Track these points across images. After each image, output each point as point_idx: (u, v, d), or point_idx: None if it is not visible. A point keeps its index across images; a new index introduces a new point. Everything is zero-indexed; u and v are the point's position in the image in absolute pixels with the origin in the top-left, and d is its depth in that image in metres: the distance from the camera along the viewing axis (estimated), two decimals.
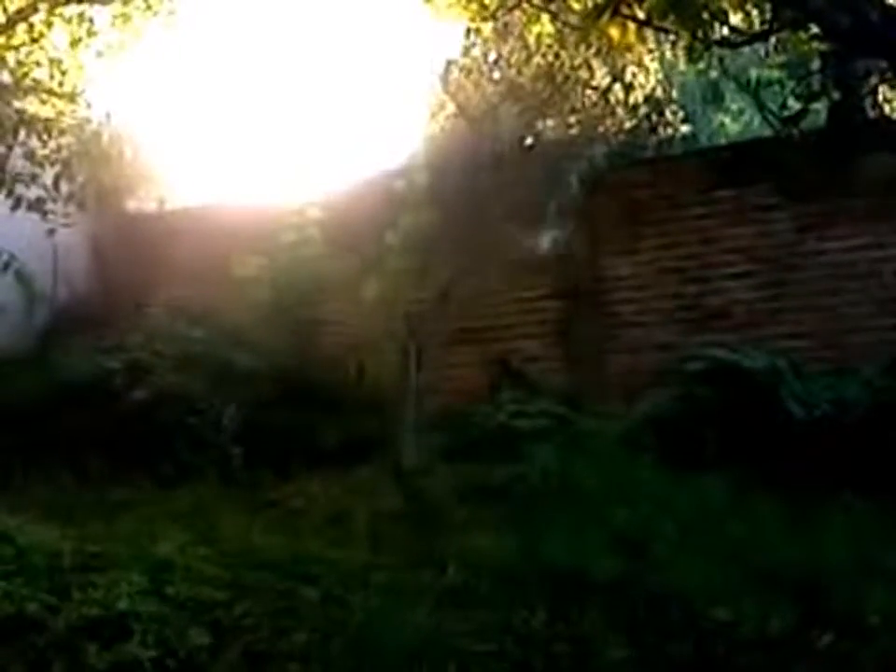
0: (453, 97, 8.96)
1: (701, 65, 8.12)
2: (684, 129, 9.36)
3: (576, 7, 5.59)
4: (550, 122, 9.03)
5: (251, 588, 4.93)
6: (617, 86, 8.81)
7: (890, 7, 4.62)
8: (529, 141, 8.86)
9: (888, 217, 8.16)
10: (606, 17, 5.25)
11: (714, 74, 9.39)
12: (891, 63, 5.59)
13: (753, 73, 8.52)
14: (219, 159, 10.45)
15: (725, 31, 5.78)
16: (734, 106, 12.02)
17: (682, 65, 9.01)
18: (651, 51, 8.31)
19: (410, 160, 9.41)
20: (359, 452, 7.91)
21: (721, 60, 7.88)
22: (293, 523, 6.68)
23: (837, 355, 8.24)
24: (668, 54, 8.54)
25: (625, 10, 5.23)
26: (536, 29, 6.86)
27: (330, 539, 6.19)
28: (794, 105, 8.29)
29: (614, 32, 5.83)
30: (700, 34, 5.42)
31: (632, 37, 5.91)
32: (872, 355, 7.94)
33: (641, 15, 5.26)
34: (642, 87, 8.77)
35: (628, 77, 8.70)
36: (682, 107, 10.18)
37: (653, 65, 8.66)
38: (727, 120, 11.34)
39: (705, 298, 8.99)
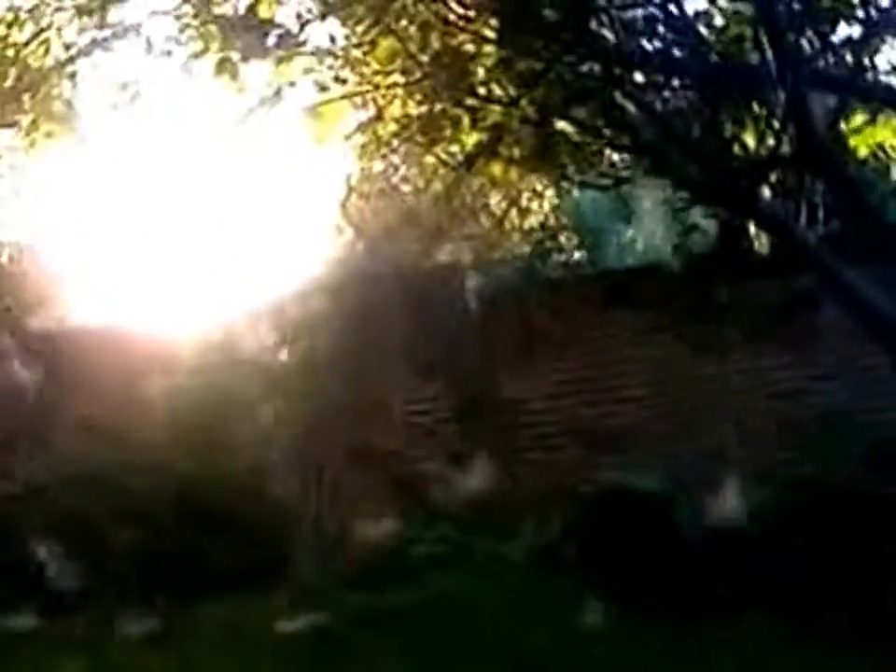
0: (351, 222, 9.39)
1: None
2: (577, 255, 9.92)
3: (457, 148, 6.01)
4: (447, 247, 9.51)
5: None
6: (514, 211, 9.29)
7: (736, 157, 5.11)
8: (426, 265, 9.30)
9: (771, 342, 8.69)
10: (482, 159, 5.70)
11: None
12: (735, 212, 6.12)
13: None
14: (121, 279, 10.69)
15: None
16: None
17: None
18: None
19: (308, 283, 9.80)
20: (260, 575, 8.07)
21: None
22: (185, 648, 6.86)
23: (733, 476, 8.65)
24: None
25: (503, 151, 5.68)
26: (431, 159, 7.27)
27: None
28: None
29: (496, 170, 6.31)
30: (572, 174, 5.89)
31: (514, 175, 6.40)
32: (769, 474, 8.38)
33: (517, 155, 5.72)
34: (537, 213, 9.27)
35: (524, 203, 9.18)
36: (583, 228, 10.78)
37: (548, 192, 9.15)
38: (639, 238, 11.87)
39: (601, 419, 9.39)
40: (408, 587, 7.60)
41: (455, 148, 6.15)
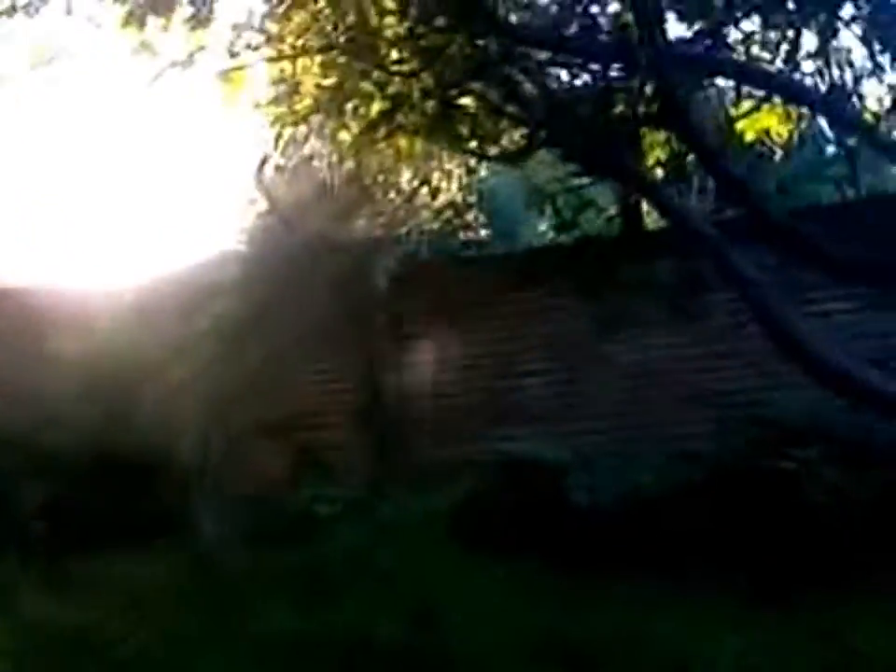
0: (265, 193, 9.65)
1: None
2: (484, 233, 10.30)
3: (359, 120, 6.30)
4: (358, 221, 9.81)
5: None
6: (424, 189, 9.60)
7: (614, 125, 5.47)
8: (338, 238, 9.60)
9: (675, 320, 9.12)
10: (382, 130, 6.02)
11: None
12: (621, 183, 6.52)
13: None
14: (37, 239, 10.82)
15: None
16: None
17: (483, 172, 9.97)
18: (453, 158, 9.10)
19: (223, 251, 10.05)
20: (162, 531, 8.34)
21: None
22: (85, 598, 7.11)
23: (629, 449, 9.08)
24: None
25: (405, 121, 6.00)
26: (343, 134, 7.53)
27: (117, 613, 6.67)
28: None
29: (402, 142, 6.63)
30: (472, 147, 6.24)
31: (417, 147, 6.73)
32: (662, 448, 8.81)
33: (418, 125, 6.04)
34: (446, 191, 9.59)
35: (434, 181, 9.49)
36: (492, 206, 11.13)
37: (458, 170, 9.47)
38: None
39: (505, 393, 9.78)
40: (306, 546, 7.94)
41: (361, 120, 6.44)
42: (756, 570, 6.92)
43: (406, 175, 9.26)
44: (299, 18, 6.36)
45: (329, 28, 6.20)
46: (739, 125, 6.62)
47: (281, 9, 6.27)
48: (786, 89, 5.79)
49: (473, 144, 6.37)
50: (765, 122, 6.69)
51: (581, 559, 7.60)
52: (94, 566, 7.71)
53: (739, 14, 5.76)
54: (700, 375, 9.06)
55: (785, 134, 6.63)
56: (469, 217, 10.18)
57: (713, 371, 9.07)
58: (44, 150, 9.75)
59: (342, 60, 6.28)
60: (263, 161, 8.81)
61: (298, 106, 7.10)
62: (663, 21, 5.12)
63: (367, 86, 6.29)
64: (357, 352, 9.88)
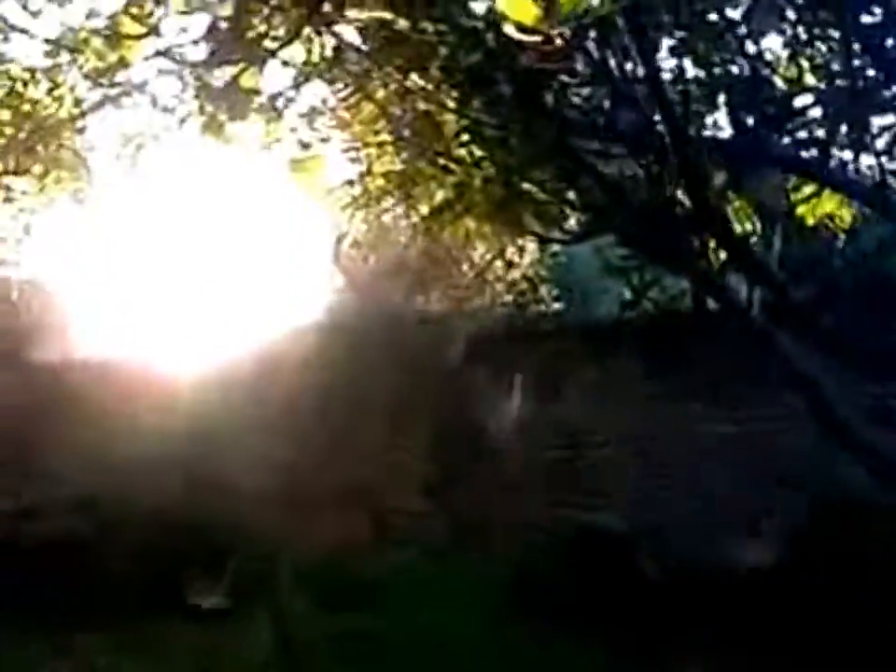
0: (342, 269, 10.03)
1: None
2: (557, 305, 10.54)
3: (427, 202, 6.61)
4: (432, 295, 10.13)
5: None
6: (497, 263, 9.91)
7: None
8: (413, 312, 9.92)
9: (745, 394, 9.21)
10: (448, 215, 6.31)
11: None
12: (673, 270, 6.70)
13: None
14: (123, 315, 11.33)
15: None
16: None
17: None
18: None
19: (303, 325, 10.42)
20: (244, 596, 8.70)
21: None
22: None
23: (701, 520, 9.18)
24: None
25: (469, 207, 6.28)
26: (414, 215, 7.83)
27: None
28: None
29: (469, 224, 6.92)
30: (536, 231, 6.51)
31: (484, 230, 7.03)
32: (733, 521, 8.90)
33: (481, 211, 6.32)
34: (519, 265, 9.89)
35: (508, 256, 9.79)
36: (566, 280, 11.38)
37: (531, 245, 9.75)
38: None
39: (576, 462, 9.94)
40: (374, 613, 8.22)
41: (429, 202, 6.75)
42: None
43: (479, 250, 9.57)
44: (368, 109, 6.70)
45: (395, 118, 6.53)
46: (800, 209, 6.77)
47: (351, 101, 6.61)
48: (840, 181, 5.93)
49: (536, 228, 6.62)
50: (826, 207, 6.81)
51: (650, 637, 7.75)
52: (171, 631, 8.07)
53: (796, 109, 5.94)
54: (771, 449, 9.13)
55: (848, 218, 6.76)
56: (542, 290, 10.44)
57: (784, 445, 9.13)
58: (131, 229, 10.24)
59: (408, 148, 6.59)
60: (340, 239, 9.21)
61: (370, 187, 7.45)
62: (688, 115, 5.34)
63: (433, 172, 6.59)
64: (430, 421, 10.14)
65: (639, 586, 8.40)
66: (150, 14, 5.28)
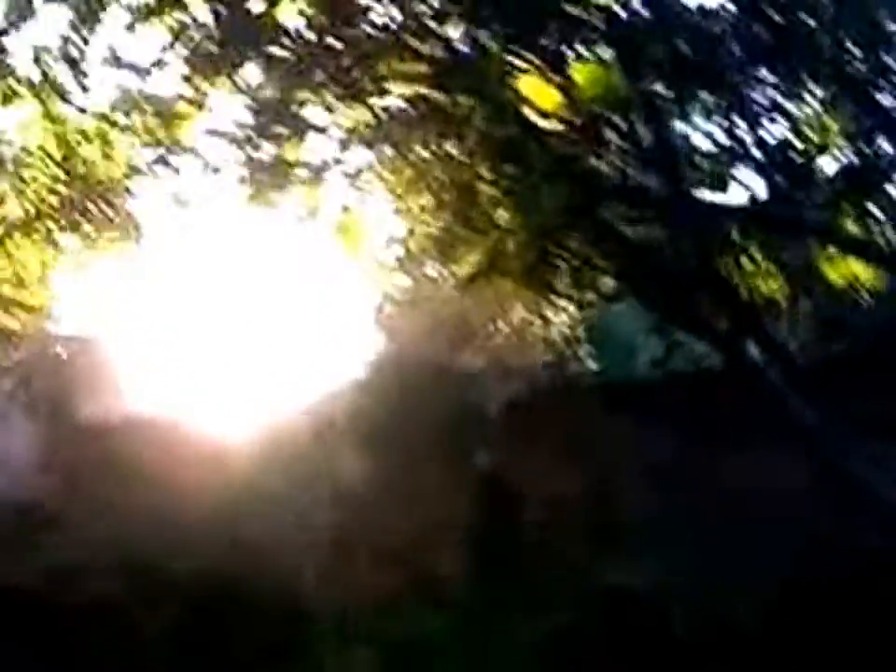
0: (385, 328, 10.31)
1: None
2: (593, 363, 10.72)
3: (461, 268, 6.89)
4: (472, 352, 10.36)
5: None
6: (536, 321, 10.11)
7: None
8: (453, 369, 10.16)
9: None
10: (484, 278, 6.58)
11: None
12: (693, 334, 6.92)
13: None
14: (169, 373, 11.64)
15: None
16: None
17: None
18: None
19: (344, 384, 10.71)
20: (281, 659, 8.91)
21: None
22: None
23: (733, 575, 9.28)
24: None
25: (503, 270, 6.56)
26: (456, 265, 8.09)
27: None
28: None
29: (500, 286, 7.20)
30: (568, 294, 6.77)
31: (517, 291, 7.29)
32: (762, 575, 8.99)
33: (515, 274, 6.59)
34: (556, 324, 10.08)
35: (545, 315, 9.99)
36: (604, 338, 11.56)
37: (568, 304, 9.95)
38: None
39: (606, 519, 10.10)
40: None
41: (464, 265, 7.04)
42: None
43: (518, 309, 9.79)
44: (407, 174, 7.00)
45: (433, 184, 6.83)
46: (827, 270, 6.96)
47: (390, 167, 6.93)
48: (859, 246, 6.15)
49: (568, 290, 6.89)
50: (852, 268, 7.00)
51: None
52: None
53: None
54: (796, 503, 9.22)
55: (873, 279, 6.94)
56: (580, 348, 10.63)
57: (808, 499, 9.23)
58: (179, 287, 10.57)
59: (445, 212, 6.89)
60: (382, 298, 9.49)
61: (410, 247, 7.75)
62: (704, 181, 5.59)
63: (470, 236, 6.88)
64: (470, 477, 10.34)
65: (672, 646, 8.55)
66: (202, 92, 5.61)
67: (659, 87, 5.09)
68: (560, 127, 3.94)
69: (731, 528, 9.25)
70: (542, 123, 3.89)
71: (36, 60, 6.60)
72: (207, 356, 10.85)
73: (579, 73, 4.44)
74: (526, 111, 4.99)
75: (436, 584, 9.90)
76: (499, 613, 9.32)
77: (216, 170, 7.57)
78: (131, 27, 6.06)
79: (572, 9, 4.58)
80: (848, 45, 5.94)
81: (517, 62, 4.92)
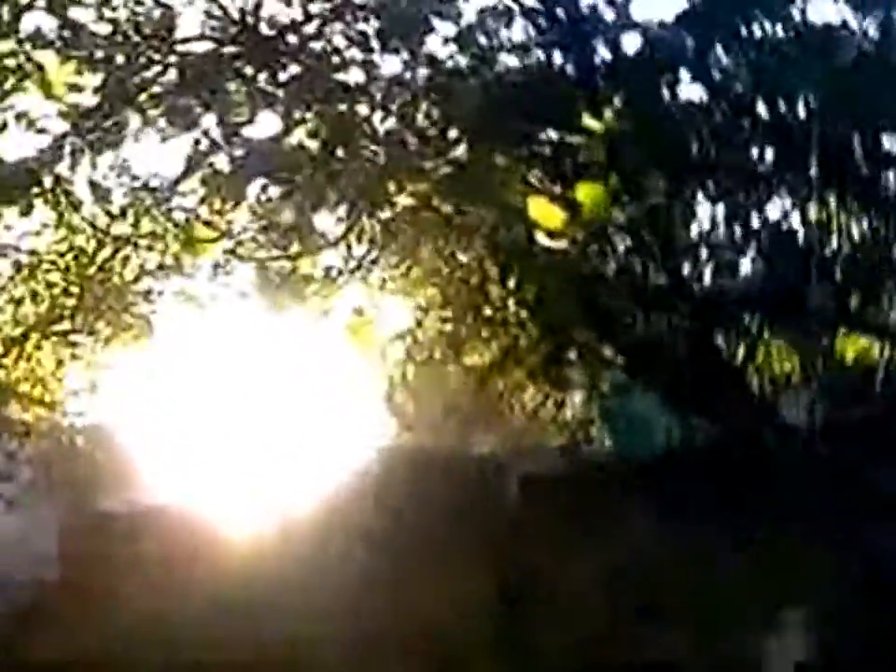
0: (397, 415, 10.52)
1: None
2: (609, 443, 10.89)
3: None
4: (485, 436, 10.56)
5: None
6: (549, 404, 10.33)
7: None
8: (467, 454, 10.34)
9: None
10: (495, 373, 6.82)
11: None
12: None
13: None
14: (185, 463, 11.86)
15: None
16: None
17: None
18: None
19: (358, 471, 10.88)
20: None
21: None
22: None
23: None
24: None
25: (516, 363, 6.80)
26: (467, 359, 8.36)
27: None
28: None
29: (512, 378, 7.42)
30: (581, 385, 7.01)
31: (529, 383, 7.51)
32: None
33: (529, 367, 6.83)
34: (570, 406, 10.29)
35: (558, 398, 10.22)
36: (618, 418, 11.76)
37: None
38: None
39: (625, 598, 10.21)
40: None
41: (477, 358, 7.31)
42: None
43: (531, 392, 10.01)
44: (417, 274, 7.28)
45: (444, 283, 7.10)
46: (839, 346, 7.19)
47: (401, 269, 7.20)
48: (864, 324, 6.38)
49: (580, 381, 7.12)
50: (863, 343, 7.22)
51: None
52: None
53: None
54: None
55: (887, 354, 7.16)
56: (594, 430, 10.82)
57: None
58: (193, 381, 10.83)
59: (455, 310, 7.16)
60: (392, 388, 9.72)
61: (420, 339, 8.02)
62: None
63: (479, 331, 7.14)
64: (491, 562, 10.46)
65: None
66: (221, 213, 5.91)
67: (660, 196, 5.36)
68: (565, 245, 4.19)
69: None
70: (548, 242, 4.11)
71: (57, 180, 6.88)
72: (223, 448, 11.07)
73: (582, 192, 4.69)
74: (533, 230, 5.25)
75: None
76: None
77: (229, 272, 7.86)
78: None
79: (571, 138, 4.87)
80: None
81: (521, 174, 5.21)
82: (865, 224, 6.20)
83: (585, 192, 4.74)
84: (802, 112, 5.88)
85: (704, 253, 6.17)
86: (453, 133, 5.62)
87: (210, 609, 9.60)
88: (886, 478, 7.78)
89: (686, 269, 6.05)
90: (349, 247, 6.82)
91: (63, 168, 6.81)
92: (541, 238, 4.14)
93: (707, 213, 6.17)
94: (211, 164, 5.96)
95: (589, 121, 4.60)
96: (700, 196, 6.08)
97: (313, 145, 5.77)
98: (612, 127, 4.61)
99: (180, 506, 11.36)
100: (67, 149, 6.41)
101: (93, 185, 6.60)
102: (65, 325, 10.45)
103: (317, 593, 9.57)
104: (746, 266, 6.93)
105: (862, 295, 6.29)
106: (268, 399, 10.11)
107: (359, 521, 10.34)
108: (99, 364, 11.49)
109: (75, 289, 10.06)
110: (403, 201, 5.92)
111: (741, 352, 6.43)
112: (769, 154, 6.11)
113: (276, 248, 6.23)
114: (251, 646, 9.42)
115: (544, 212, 4.24)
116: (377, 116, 6.11)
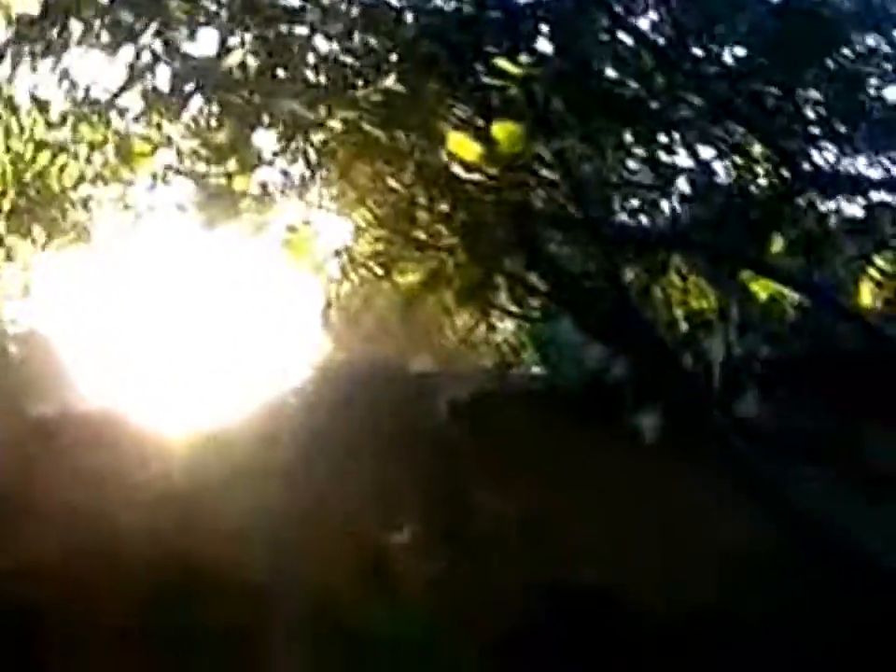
0: (331, 334, 10.85)
1: None
2: (539, 369, 11.29)
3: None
4: (418, 358, 10.92)
5: None
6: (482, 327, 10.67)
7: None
8: (399, 374, 10.69)
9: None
10: (423, 294, 7.15)
11: None
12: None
13: None
14: (119, 371, 12.11)
15: None
16: None
17: None
18: None
19: (292, 389, 11.23)
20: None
21: None
22: None
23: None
24: None
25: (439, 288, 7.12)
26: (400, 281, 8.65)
27: None
28: None
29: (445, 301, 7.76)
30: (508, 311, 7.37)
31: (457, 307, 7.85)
32: None
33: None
34: (502, 330, 10.64)
35: (490, 321, 10.55)
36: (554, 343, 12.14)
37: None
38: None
39: (558, 523, 10.68)
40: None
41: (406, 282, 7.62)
42: None
43: (463, 316, 10.34)
44: (350, 194, 7.54)
45: (375, 206, 7.37)
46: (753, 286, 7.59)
47: (334, 188, 7.46)
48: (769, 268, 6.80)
49: (508, 307, 7.47)
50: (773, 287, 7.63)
51: None
52: None
53: None
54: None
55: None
56: (525, 354, 11.19)
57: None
58: (129, 291, 11.04)
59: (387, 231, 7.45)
60: (328, 306, 10.01)
61: (356, 258, 8.30)
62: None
63: (411, 255, 7.44)
64: (419, 477, 10.88)
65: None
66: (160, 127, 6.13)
67: (575, 137, 5.66)
68: (483, 178, 4.51)
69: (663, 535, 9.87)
70: (467, 175, 4.41)
71: None
72: (156, 358, 11.32)
73: (498, 131, 4.99)
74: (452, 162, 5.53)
75: (386, 580, 10.46)
76: (451, 610, 9.89)
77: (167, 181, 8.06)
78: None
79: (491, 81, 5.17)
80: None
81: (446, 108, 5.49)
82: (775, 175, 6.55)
83: (501, 130, 5.04)
84: (726, 62, 6.19)
85: (621, 193, 6.52)
86: (385, 66, 5.87)
87: (144, 513, 9.96)
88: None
89: (603, 208, 6.39)
90: (285, 168, 7.06)
91: (2, 73, 6.96)
92: (458, 170, 4.41)
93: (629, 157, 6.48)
94: (150, 80, 6.16)
95: (506, 65, 4.90)
96: (624, 141, 6.40)
97: (252, 64, 6.00)
98: (529, 72, 4.91)
99: (114, 412, 11.65)
100: (8, 56, 6.57)
101: (34, 95, 6.76)
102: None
103: (245, 497, 9.95)
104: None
105: (769, 241, 6.67)
106: (204, 312, 10.35)
107: (289, 432, 10.71)
108: (34, 268, 11.64)
109: (11, 193, 10.19)
110: (335, 125, 6.16)
111: (657, 288, 6.80)
112: (694, 102, 6.41)
113: (212, 164, 6.45)
114: (185, 546, 9.80)
115: (462, 146, 4.52)
116: (317, 39, 6.33)
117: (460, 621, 9.63)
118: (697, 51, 6.14)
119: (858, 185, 6.25)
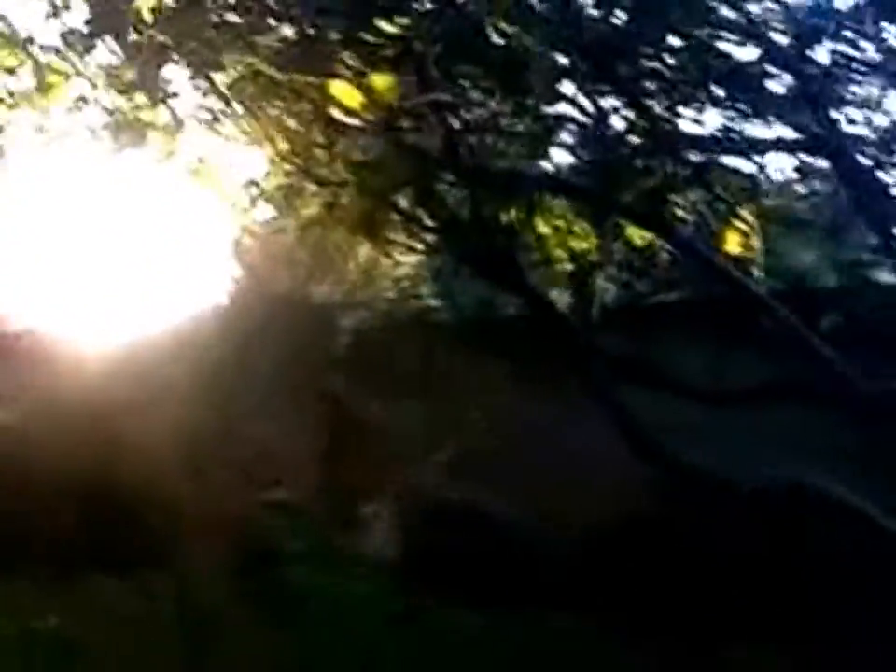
0: (240, 259, 11.60)
1: None
2: (435, 302, 12.15)
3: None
4: (321, 286, 11.73)
5: None
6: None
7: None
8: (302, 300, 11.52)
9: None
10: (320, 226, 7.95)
11: None
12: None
13: None
14: (30, 289, 12.69)
15: None
16: None
17: None
18: None
19: (202, 309, 12.00)
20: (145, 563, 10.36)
21: None
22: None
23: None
24: None
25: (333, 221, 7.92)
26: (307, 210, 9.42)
27: None
28: None
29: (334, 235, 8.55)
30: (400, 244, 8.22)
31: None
32: None
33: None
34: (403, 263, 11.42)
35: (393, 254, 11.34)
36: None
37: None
38: None
39: (452, 446, 11.64)
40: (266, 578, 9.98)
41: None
42: None
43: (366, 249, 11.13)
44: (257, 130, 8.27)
45: (276, 141, 8.12)
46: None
47: (243, 123, 8.19)
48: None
49: (400, 240, 8.32)
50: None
51: None
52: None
53: None
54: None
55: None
56: (424, 287, 12.05)
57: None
58: (41, 211, 11.57)
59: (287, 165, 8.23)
60: (239, 232, 10.73)
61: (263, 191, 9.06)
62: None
63: (308, 188, 8.24)
64: (316, 402, 11.77)
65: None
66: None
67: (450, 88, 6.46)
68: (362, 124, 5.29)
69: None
70: (347, 120, 5.18)
71: None
72: (68, 279, 11.95)
73: (376, 80, 5.78)
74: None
75: (283, 497, 11.38)
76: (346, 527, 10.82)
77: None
78: None
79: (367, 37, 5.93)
80: None
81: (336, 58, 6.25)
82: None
83: (378, 81, 5.83)
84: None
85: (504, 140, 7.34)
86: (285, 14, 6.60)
87: (66, 425, 10.78)
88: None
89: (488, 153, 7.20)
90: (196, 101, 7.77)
91: None
92: (338, 115, 5.20)
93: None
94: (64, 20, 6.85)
95: (382, 24, 5.66)
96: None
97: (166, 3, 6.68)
98: (405, 32, 5.68)
99: (26, 330, 12.31)
100: None
101: None
102: None
103: (151, 412, 10.80)
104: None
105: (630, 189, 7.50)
106: (115, 235, 10.97)
107: (195, 353, 11.52)
108: None
109: None
110: (238, 68, 6.88)
111: (541, 228, 7.64)
112: (573, 53, 7.17)
113: (122, 96, 7.15)
114: (102, 455, 10.65)
115: (345, 93, 5.29)
116: None
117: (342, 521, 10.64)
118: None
119: (696, 143, 7.08)
